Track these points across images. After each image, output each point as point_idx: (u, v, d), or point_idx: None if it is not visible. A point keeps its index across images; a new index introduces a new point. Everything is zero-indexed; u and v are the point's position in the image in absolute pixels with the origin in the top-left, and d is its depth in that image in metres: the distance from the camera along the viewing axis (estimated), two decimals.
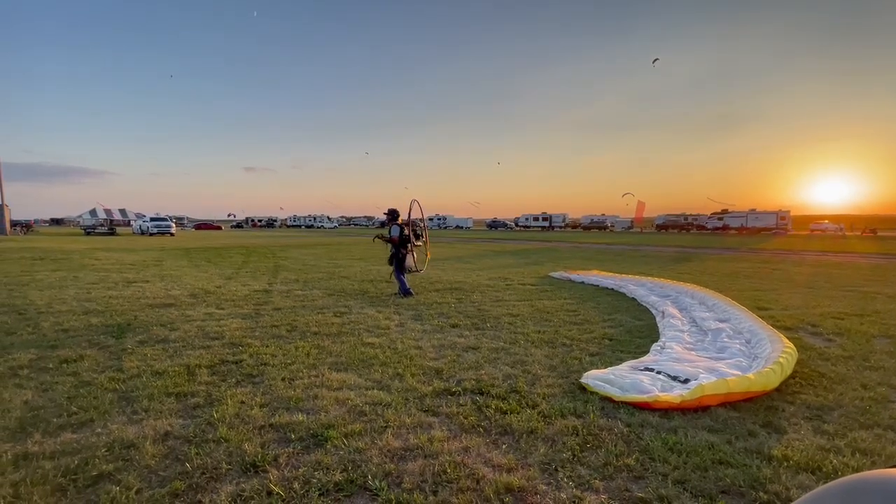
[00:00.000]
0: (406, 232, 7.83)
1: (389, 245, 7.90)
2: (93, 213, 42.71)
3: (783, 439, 2.83)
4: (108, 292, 7.98)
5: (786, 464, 2.54)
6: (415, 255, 8.15)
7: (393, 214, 8.00)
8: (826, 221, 56.76)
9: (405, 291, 7.84)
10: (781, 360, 3.79)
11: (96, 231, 39.52)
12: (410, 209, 8.21)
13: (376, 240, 8.21)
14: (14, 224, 40.51)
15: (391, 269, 8.11)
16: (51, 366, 4.05)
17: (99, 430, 2.87)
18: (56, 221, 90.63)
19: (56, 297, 7.44)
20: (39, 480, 2.32)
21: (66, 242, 24.42)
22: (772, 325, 5.34)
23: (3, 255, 15.24)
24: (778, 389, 3.57)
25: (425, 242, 8.64)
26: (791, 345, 4.29)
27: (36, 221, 75.21)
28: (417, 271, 8.06)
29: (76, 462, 2.48)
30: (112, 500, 2.17)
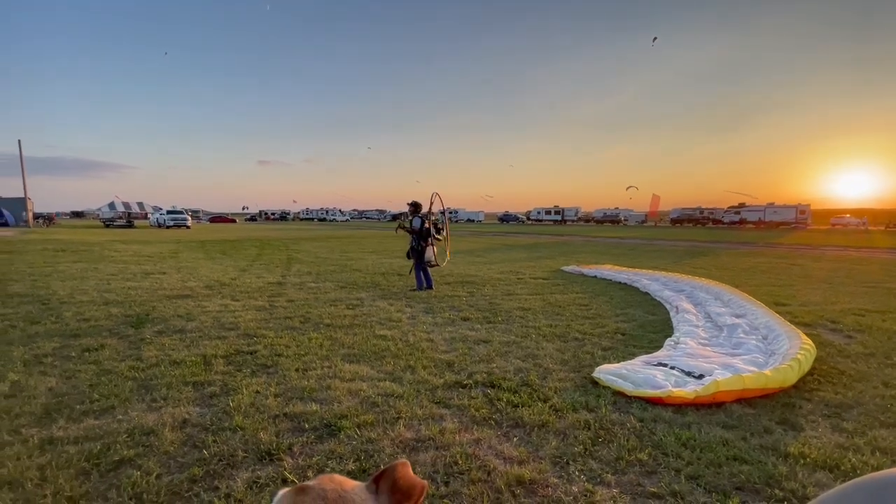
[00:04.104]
0: (427, 225, 7.83)
1: (410, 237, 7.94)
2: (112, 206, 43.76)
3: (800, 436, 2.79)
4: (126, 283, 8.16)
5: (802, 461, 2.50)
6: (435, 249, 8.14)
7: (416, 207, 7.99)
8: (848, 215, 55.32)
9: (419, 286, 7.86)
10: (799, 356, 3.72)
11: (115, 224, 40.39)
12: (431, 202, 8.21)
13: (399, 230, 8.25)
14: (37, 217, 41.63)
15: (411, 262, 8.08)
16: (73, 354, 4.16)
17: (120, 416, 2.95)
18: (77, 214, 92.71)
19: (77, 287, 7.63)
20: (64, 464, 2.40)
21: (87, 235, 25.01)
22: (789, 322, 5.24)
23: (27, 246, 15.67)
24: (795, 386, 3.51)
25: (446, 238, 8.59)
26: (809, 341, 4.20)
27: (58, 214, 77.11)
28: (436, 265, 8.09)
29: (99, 447, 2.56)
30: (133, 484, 2.24)
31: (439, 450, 2.61)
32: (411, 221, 7.92)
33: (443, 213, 9.21)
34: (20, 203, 37.02)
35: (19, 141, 36.74)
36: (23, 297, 6.76)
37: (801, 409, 3.19)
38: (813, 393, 3.46)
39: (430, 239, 7.88)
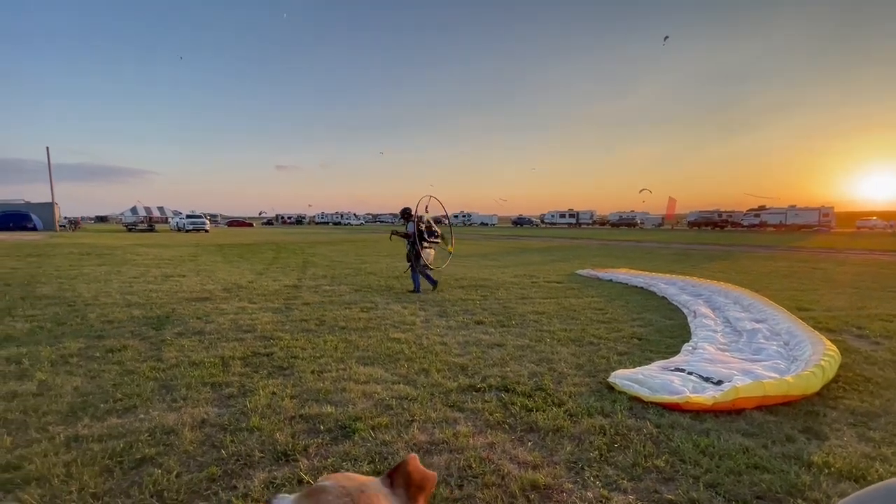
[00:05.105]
0: (422, 228, 8.01)
1: (406, 241, 8.10)
2: (134, 210, 44.69)
3: (824, 445, 2.71)
4: (148, 286, 8.37)
5: (826, 471, 2.43)
6: (432, 252, 8.29)
7: (406, 213, 8.26)
8: (875, 218, 53.56)
9: (416, 288, 8.03)
10: (823, 362, 3.62)
11: (137, 228, 41.42)
12: (417, 206, 8.39)
13: (393, 237, 8.48)
14: (67, 221, 43.08)
15: (408, 265, 8.30)
16: (98, 354, 4.28)
17: (142, 416, 3.03)
18: (101, 219, 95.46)
19: (101, 290, 7.86)
20: (89, 461, 2.47)
21: (110, 239, 25.71)
22: (813, 327, 5.10)
23: (54, 250, 16.18)
24: (819, 394, 3.42)
25: (444, 238, 8.72)
26: (834, 347, 4.09)
27: (83, 218, 79.43)
28: (431, 269, 8.24)
29: (121, 445, 2.63)
30: (154, 482, 2.29)
31: (453, 453, 2.61)
32: (406, 227, 8.09)
33: (446, 217, 9.34)
34: (48, 208, 38.28)
35: (47, 148, 38.06)
36: (50, 298, 6.98)
37: (825, 417, 3.10)
38: (838, 401, 3.36)
39: (424, 242, 8.04)
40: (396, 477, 0.50)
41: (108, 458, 2.50)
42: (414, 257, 8.05)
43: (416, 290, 7.97)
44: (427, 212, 8.53)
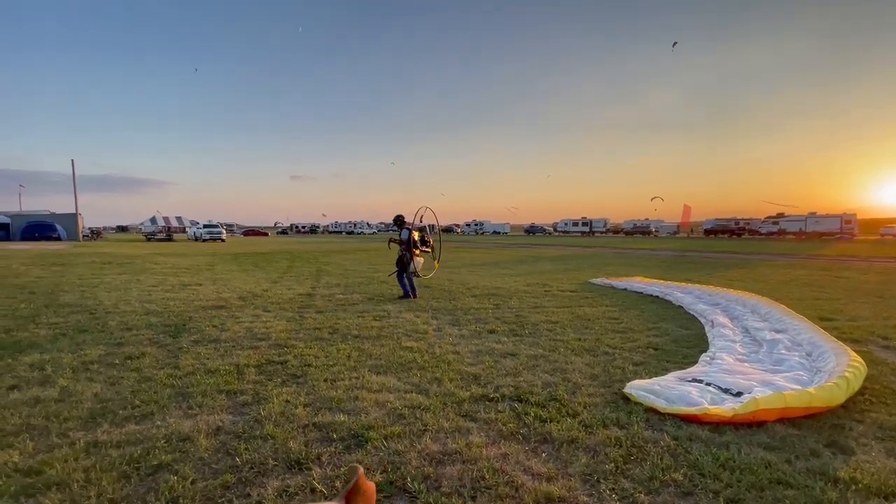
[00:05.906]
0: (415, 237, 8.21)
1: (400, 247, 8.32)
2: (153, 220, 45.83)
3: (851, 461, 2.62)
4: (165, 294, 8.53)
5: (854, 487, 2.35)
6: (421, 260, 8.49)
7: (399, 220, 8.45)
8: None
9: (405, 293, 8.21)
10: (847, 374, 3.50)
11: (156, 237, 42.41)
12: (416, 215, 8.57)
13: (391, 244, 8.64)
14: (91, 231, 44.37)
15: (395, 269, 8.49)
16: (117, 361, 4.37)
17: (158, 422, 3.07)
18: (121, 228, 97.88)
19: (121, 298, 8.04)
20: (108, 467, 2.51)
21: (130, 248, 26.34)
22: (837, 338, 4.95)
23: (77, 259, 16.63)
24: (844, 407, 3.31)
25: (433, 248, 8.93)
26: (859, 359, 3.96)
27: (104, 228, 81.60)
28: (418, 276, 8.42)
29: (139, 452, 2.67)
30: (170, 489, 2.32)
31: (466, 464, 2.59)
32: (400, 234, 8.27)
33: (432, 228, 9.52)
34: (72, 219, 39.45)
35: (72, 161, 39.37)
36: (72, 306, 7.17)
37: (851, 431, 3.00)
38: (864, 414, 3.25)
39: (416, 250, 8.21)
40: (354, 495, 0.50)
41: (126, 464, 2.54)
42: (405, 263, 8.20)
43: (413, 294, 8.14)
44: (421, 220, 8.75)
